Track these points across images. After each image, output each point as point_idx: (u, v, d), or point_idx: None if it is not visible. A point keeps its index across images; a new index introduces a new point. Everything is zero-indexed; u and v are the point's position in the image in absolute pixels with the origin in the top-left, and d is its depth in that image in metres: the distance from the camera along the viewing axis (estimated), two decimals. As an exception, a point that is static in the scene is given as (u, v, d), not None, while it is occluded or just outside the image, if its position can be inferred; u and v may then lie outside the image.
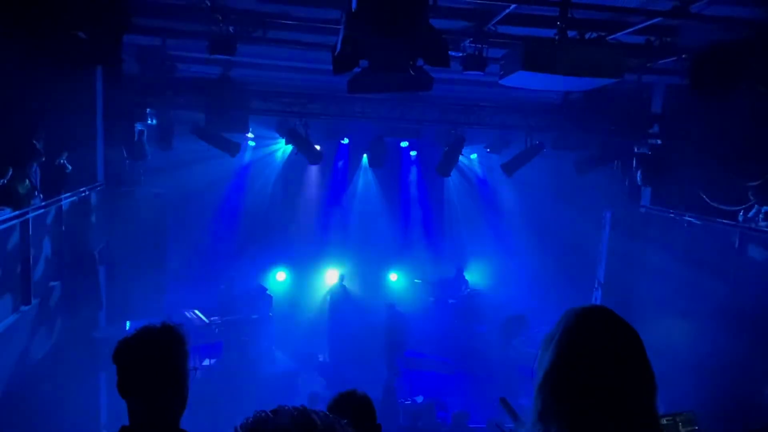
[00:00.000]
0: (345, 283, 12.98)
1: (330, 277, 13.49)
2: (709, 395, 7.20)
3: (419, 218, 14.38)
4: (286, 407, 1.12)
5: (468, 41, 6.96)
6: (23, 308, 6.28)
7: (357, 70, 5.63)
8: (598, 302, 8.65)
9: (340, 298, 12.79)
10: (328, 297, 13.04)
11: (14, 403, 5.73)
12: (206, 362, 10.51)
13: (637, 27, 6.54)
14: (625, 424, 1.45)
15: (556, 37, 5.50)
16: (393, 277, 14.09)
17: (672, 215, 9.69)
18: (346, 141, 12.76)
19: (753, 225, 8.05)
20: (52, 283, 7.24)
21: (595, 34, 6.41)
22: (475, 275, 14.01)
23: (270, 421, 1.08)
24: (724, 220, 8.46)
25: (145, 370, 2.11)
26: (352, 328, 12.28)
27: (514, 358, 10.77)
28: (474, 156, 13.58)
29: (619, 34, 6.69)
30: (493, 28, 6.81)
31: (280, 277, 13.46)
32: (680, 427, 3.03)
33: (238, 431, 1.09)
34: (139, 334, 2.14)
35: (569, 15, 5.60)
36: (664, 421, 3.00)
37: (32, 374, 6.25)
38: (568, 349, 1.51)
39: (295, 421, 1.07)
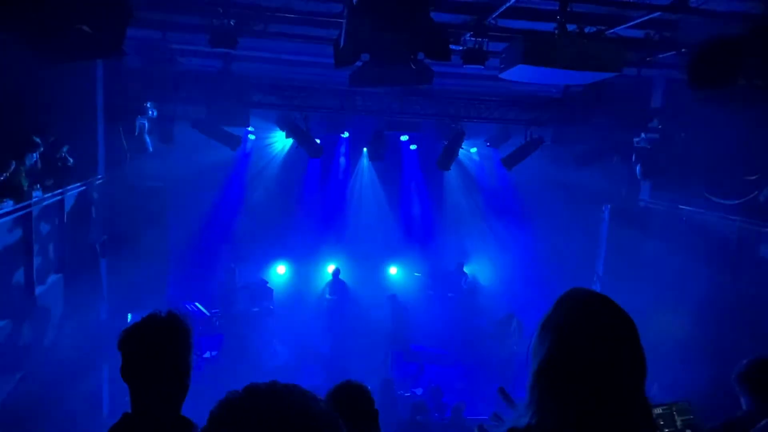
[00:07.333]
0: (341, 276, 13.03)
1: (330, 270, 13.55)
2: (708, 386, 7.24)
3: (419, 212, 14.41)
4: (259, 385, 1.12)
5: (468, 35, 6.97)
6: (26, 300, 6.32)
7: (358, 63, 5.66)
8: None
9: (337, 291, 12.85)
10: (327, 291, 13.09)
11: (17, 394, 5.79)
12: (207, 355, 10.56)
13: (636, 21, 6.56)
14: (620, 410, 1.48)
15: (556, 31, 5.52)
16: (393, 270, 14.15)
17: (671, 209, 9.73)
18: (346, 135, 12.77)
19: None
20: (54, 276, 7.28)
21: (594, 28, 6.42)
22: (474, 269, 14.05)
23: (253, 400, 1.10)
24: (722, 214, 8.50)
25: (149, 356, 2.15)
26: (351, 321, 12.34)
27: (511, 353, 10.85)
28: (474, 150, 13.60)
29: (618, 28, 6.71)
30: (494, 22, 6.82)
31: (280, 271, 13.51)
32: (676, 416, 3.08)
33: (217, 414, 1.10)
34: (145, 321, 2.19)
35: (569, 9, 5.62)
36: (660, 410, 3.04)
37: (35, 366, 6.30)
38: (566, 335, 1.54)
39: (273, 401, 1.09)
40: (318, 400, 1.13)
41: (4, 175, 5.90)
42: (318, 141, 11.05)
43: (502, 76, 5.85)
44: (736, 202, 8.34)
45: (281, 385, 1.13)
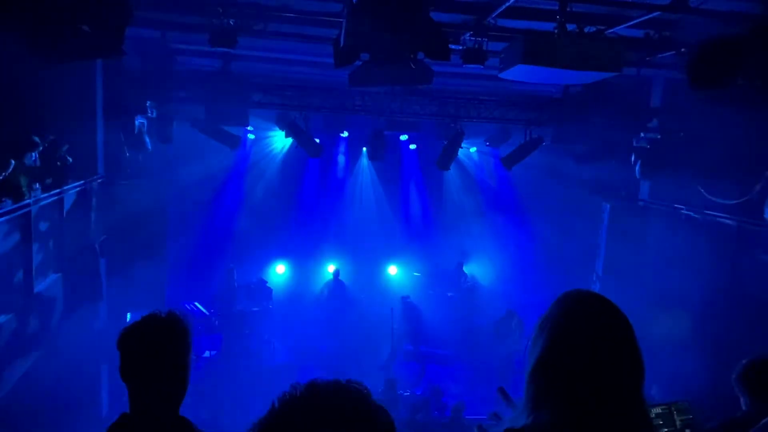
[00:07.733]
0: (341, 277, 13.03)
1: (329, 269, 13.56)
2: (707, 386, 7.26)
3: (418, 211, 14.42)
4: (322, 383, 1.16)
5: (468, 34, 6.97)
6: (25, 300, 6.32)
7: (358, 63, 5.66)
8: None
9: (336, 291, 12.85)
10: (325, 291, 13.10)
11: (16, 395, 5.78)
12: (206, 354, 10.56)
13: (636, 21, 6.56)
14: (617, 410, 1.49)
15: (556, 31, 5.52)
16: (392, 270, 14.14)
17: (670, 208, 9.74)
18: (345, 134, 12.77)
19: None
20: (53, 276, 7.27)
21: (594, 28, 6.42)
22: (474, 268, 14.05)
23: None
24: (722, 214, 8.51)
25: (148, 356, 2.16)
26: (350, 321, 12.33)
27: (511, 351, 10.85)
28: (473, 149, 13.60)
29: (618, 27, 6.71)
30: (493, 22, 6.82)
31: (279, 270, 13.51)
32: (675, 416, 3.08)
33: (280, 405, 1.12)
34: (145, 321, 2.19)
35: (569, 9, 5.62)
36: (659, 410, 3.05)
37: (34, 367, 6.30)
38: (563, 334, 1.54)
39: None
40: (375, 402, 1.17)
41: (3, 174, 5.89)
42: (317, 140, 11.05)
43: (502, 75, 5.85)
44: (735, 201, 8.35)
45: (342, 382, 1.17)
